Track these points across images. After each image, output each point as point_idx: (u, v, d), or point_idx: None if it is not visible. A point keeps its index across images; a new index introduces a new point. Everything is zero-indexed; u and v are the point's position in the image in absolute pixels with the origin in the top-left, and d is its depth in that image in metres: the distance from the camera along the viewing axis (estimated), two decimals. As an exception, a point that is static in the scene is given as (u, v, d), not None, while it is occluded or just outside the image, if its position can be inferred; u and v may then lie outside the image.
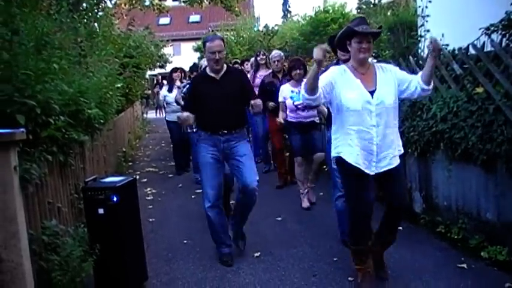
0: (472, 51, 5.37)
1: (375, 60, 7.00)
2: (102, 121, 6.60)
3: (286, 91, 7.20)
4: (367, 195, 4.21)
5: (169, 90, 10.03)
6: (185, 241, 5.83)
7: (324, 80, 4.09)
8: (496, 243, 4.77)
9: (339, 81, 4.16)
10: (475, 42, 6.14)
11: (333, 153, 4.28)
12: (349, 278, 4.53)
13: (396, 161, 4.18)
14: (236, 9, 15.57)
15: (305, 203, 7.10)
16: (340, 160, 4.20)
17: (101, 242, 4.22)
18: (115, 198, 4.22)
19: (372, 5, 26.84)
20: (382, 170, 4.13)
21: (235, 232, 5.46)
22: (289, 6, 54.01)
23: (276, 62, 8.40)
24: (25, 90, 3.97)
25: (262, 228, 6.20)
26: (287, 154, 8.52)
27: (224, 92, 5.04)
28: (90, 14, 9.62)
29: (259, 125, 9.47)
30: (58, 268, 4.00)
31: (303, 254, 5.23)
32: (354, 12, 24.04)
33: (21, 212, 3.50)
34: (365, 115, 4.07)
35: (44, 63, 4.45)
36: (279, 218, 6.54)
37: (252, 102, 5.04)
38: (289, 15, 46.10)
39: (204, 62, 6.75)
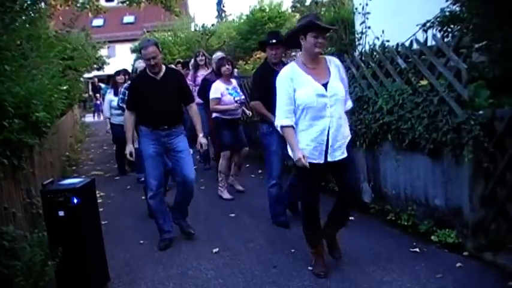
0: (415, 46, 5.60)
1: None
2: (48, 124, 6.50)
3: (222, 87, 7.53)
4: (315, 183, 4.57)
5: (115, 94, 9.89)
6: (141, 241, 5.84)
7: (287, 97, 4.30)
8: (444, 227, 5.02)
9: (294, 82, 4.31)
10: (413, 37, 6.42)
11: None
12: (309, 268, 4.66)
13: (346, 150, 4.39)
14: (176, 9, 15.47)
15: (226, 195, 7.59)
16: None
17: (62, 244, 4.18)
18: (75, 200, 4.19)
19: (305, 4, 27.31)
20: (337, 159, 4.33)
21: (181, 226, 5.89)
22: (223, 6, 54.05)
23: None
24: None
25: (217, 225, 6.28)
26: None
27: (164, 92, 5.53)
28: (27, 14, 9.38)
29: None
30: (20, 274, 3.95)
31: (261, 248, 5.35)
32: (290, 11, 24.38)
33: (-19, 218, 3.45)
34: (320, 108, 4.23)
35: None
36: (233, 215, 6.63)
37: (201, 142, 5.79)
38: (223, 15, 46.19)
39: (138, 64, 6.97)
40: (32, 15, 9.78)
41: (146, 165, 5.62)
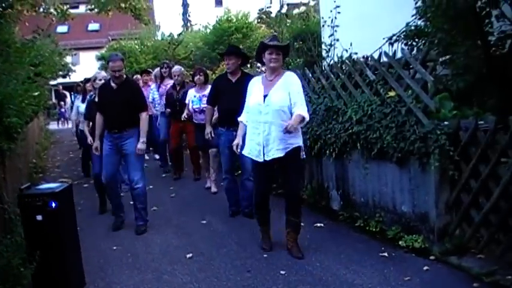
0: (384, 58, 5.81)
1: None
2: (19, 130, 6.50)
3: (190, 95, 8.28)
4: (261, 176, 5.41)
5: (83, 101, 9.92)
6: (114, 247, 5.87)
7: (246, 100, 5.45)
8: (411, 232, 5.22)
9: (250, 90, 5.41)
10: (380, 50, 6.64)
11: None
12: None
13: (283, 153, 5.08)
14: (145, 18, 15.48)
15: (215, 188, 8.27)
16: None
17: (39, 248, 4.22)
18: (53, 204, 4.25)
19: (271, 15, 27.58)
20: (270, 158, 5.11)
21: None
22: (189, 16, 53.95)
23: (177, 76, 9.28)
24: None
25: (189, 231, 6.37)
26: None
27: (117, 99, 6.36)
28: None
29: (161, 129, 10.16)
30: (-2, 277, 3.99)
31: (234, 253, 5.45)
32: (256, 22, 24.53)
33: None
34: (257, 114, 5.17)
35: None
36: (204, 221, 6.71)
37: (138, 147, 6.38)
38: (189, 24, 46.12)
39: (98, 74, 7.78)
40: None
41: (103, 160, 6.58)
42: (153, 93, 10.53)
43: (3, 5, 9.64)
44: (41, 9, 15.21)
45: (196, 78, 8.28)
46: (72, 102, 14.22)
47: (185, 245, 5.81)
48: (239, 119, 5.48)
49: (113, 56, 6.55)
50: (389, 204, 5.61)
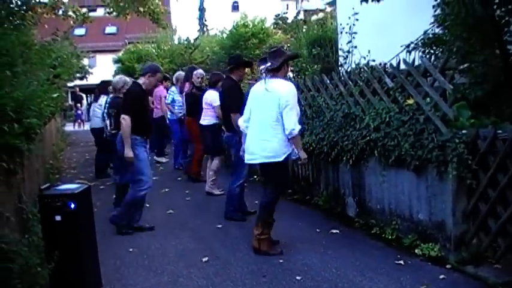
0: (402, 66, 5.81)
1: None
2: (38, 131, 6.57)
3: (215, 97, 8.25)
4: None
5: (96, 100, 10.21)
6: (131, 249, 5.90)
7: None
8: (428, 241, 5.21)
9: None
10: (397, 57, 6.64)
11: None
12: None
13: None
14: (163, 22, 15.56)
15: (217, 191, 8.55)
16: None
17: (58, 249, 4.26)
18: (72, 205, 4.29)
19: (287, 21, 27.64)
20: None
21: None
22: (205, 20, 54.25)
23: (200, 79, 9.65)
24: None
25: (205, 235, 6.39)
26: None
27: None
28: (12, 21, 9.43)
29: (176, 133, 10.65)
30: (16, 276, 4.01)
31: (249, 258, 5.45)
32: (272, 28, 24.55)
33: (-19, 220, 3.51)
34: None
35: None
36: (220, 225, 6.73)
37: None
38: (205, 29, 46.32)
39: (119, 79, 8.58)
40: (18, 22, 9.85)
41: (145, 165, 6.49)
42: (174, 95, 10.60)
43: (24, 7, 9.74)
44: (60, 12, 15.35)
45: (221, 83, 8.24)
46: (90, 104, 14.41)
47: (201, 248, 5.83)
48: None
49: (158, 68, 6.90)
50: (406, 212, 5.60)
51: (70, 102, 30.56)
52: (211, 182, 8.65)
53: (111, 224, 6.72)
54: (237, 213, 7.01)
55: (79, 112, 27.63)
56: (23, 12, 9.83)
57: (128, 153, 6.27)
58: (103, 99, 10.51)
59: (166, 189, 9.05)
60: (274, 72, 5.51)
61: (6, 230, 4.33)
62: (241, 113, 5.87)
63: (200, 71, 9.93)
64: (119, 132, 6.55)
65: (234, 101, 6.80)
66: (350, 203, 6.63)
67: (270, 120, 5.35)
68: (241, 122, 5.80)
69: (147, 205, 7.31)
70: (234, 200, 7.00)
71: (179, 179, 10.11)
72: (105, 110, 9.41)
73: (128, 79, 8.72)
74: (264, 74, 5.55)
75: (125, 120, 6.25)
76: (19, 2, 9.74)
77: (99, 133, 10.45)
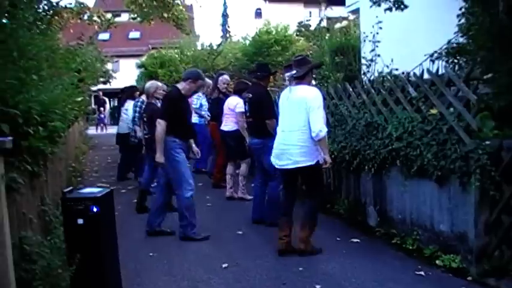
0: (426, 75, 5.78)
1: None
2: (61, 134, 6.64)
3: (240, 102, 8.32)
4: None
5: (122, 105, 10.41)
6: (151, 254, 5.93)
7: None
8: (449, 252, 5.16)
9: None
10: (420, 66, 6.61)
11: None
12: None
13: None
14: (186, 27, 15.72)
15: (248, 196, 8.49)
16: None
17: (79, 251, 4.30)
18: (95, 209, 4.32)
19: (309, 28, 27.59)
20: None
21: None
22: (228, 26, 54.45)
23: (226, 85, 9.76)
24: (7, 99, 4.05)
25: (225, 241, 6.41)
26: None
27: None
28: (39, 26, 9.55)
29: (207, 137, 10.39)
30: (38, 278, 4.06)
31: (269, 265, 5.46)
32: (295, 35, 24.58)
33: (7, 221, 3.55)
34: None
35: (23, 73, 4.53)
36: (240, 232, 6.75)
37: None
38: (228, 35, 46.47)
39: (151, 85, 8.67)
40: (45, 26, 9.97)
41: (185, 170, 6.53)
42: (201, 99, 10.63)
43: (51, 12, 9.87)
44: (85, 17, 15.56)
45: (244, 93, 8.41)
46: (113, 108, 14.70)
47: (221, 254, 5.85)
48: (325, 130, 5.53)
49: (202, 75, 7.05)
50: (427, 223, 5.56)
51: (93, 106, 30.88)
52: (242, 188, 8.74)
53: (131, 228, 6.77)
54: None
55: (102, 116, 27.90)
56: (49, 17, 9.97)
57: (160, 157, 6.32)
58: (129, 105, 10.67)
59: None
60: (299, 79, 5.69)
61: (29, 232, 4.38)
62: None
63: (226, 76, 10.00)
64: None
65: (269, 108, 6.96)
66: (371, 212, 6.59)
67: (299, 126, 5.52)
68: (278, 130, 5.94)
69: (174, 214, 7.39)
70: (277, 205, 6.80)
71: (200, 184, 10.11)
72: (136, 115, 9.59)
73: (160, 84, 8.88)
74: (289, 82, 5.78)
75: (160, 124, 6.29)
76: (46, 7, 9.87)
77: (125, 138, 10.69)
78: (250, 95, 7.26)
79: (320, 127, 5.39)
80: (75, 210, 4.35)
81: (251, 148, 7.57)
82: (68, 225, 4.44)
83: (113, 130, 25.52)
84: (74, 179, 10.52)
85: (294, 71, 5.73)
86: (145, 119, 8.61)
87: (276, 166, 5.91)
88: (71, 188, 4.87)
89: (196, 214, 6.52)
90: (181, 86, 6.66)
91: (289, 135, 5.64)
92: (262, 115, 6.88)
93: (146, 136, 8.48)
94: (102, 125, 28.04)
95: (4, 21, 4.68)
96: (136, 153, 10.03)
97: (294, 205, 5.91)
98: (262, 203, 7.12)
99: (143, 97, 9.81)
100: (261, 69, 7.43)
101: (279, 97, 6.79)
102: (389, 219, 6.23)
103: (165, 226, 6.75)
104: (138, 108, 9.66)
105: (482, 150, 4.72)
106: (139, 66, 25.49)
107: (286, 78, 5.83)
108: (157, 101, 8.28)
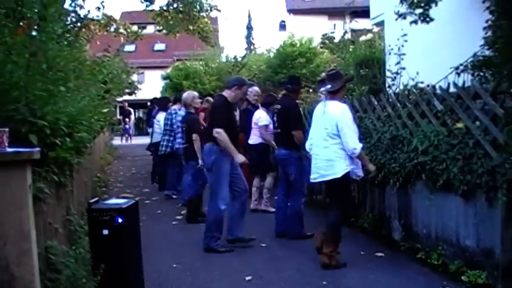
0: (452, 88, 5.73)
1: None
2: (87, 145, 6.73)
3: (268, 117, 8.43)
4: None
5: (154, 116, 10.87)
6: (174, 265, 5.95)
7: None
8: (475, 268, 5.08)
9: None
10: (445, 79, 6.55)
11: None
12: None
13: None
14: (211, 40, 15.86)
15: (271, 208, 8.44)
16: None
17: (104, 262, 4.33)
18: (120, 220, 4.36)
19: (333, 41, 27.57)
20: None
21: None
22: (252, 38, 54.70)
23: (257, 97, 9.49)
24: (36, 110, 4.12)
25: (249, 253, 6.40)
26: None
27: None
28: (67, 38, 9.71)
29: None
30: (63, 287, 4.10)
31: (293, 279, 5.43)
32: (319, 47, 24.54)
33: (33, 230, 3.59)
34: None
35: (52, 85, 4.60)
36: (264, 244, 6.74)
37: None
38: (252, 47, 46.65)
39: (188, 95, 8.84)
40: (72, 38, 10.13)
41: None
42: None
43: (78, 24, 10.04)
44: (112, 29, 15.79)
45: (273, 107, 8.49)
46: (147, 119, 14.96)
47: (244, 267, 5.84)
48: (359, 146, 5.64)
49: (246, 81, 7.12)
50: (453, 238, 5.49)
51: (118, 116, 31.20)
52: (266, 200, 8.77)
53: (155, 239, 6.81)
54: (303, 229, 7.01)
55: (127, 127, 28.14)
56: (77, 29, 10.15)
57: (240, 158, 6.46)
58: (161, 116, 10.83)
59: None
60: (333, 94, 5.80)
61: (55, 242, 4.43)
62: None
63: (256, 88, 9.86)
64: (206, 145, 6.58)
65: (297, 120, 7.04)
66: (396, 226, 6.54)
67: (327, 140, 5.64)
68: (307, 144, 6.10)
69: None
70: (301, 217, 7.02)
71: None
72: (168, 126, 9.79)
73: (196, 94, 8.96)
74: (324, 96, 5.90)
75: (219, 133, 6.29)
76: (74, 19, 10.04)
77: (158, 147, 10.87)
78: (279, 106, 7.30)
79: (354, 145, 5.52)
80: (101, 220, 4.39)
81: (277, 159, 7.56)
82: (93, 236, 4.48)
83: (137, 141, 25.79)
84: (98, 189, 10.63)
85: (328, 86, 5.81)
86: (183, 128, 8.72)
87: (311, 179, 6.04)
88: (96, 198, 4.92)
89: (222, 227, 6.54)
90: (226, 93, 6.67)
91: (317, 149, 5.79)
92: (289, 126, 6.90)
93: (185, 145, 8.57)
94: (127, 135, 28.29)
95: (34, 33, 4.76)
96: (166, 163, 10.35)
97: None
98: (286, 215, 7.10)
99: (175, 107, 9.95)
100: (293, 82, 7.46)
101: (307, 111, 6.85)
102: (414, 234, 6.17)
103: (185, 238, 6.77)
104: (170, 117, 9.83)
105: (509, 165, 4.64)
106: (164, 78, 25.71)
107: (321, 93, 5.93)
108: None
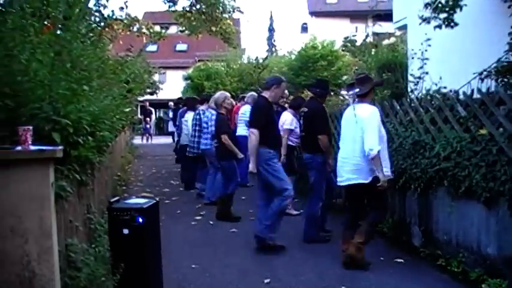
0: (476, 94, 5.68)
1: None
2: (109, 144, 6.77)
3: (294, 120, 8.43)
4: None
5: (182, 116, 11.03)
6: (193, 266, 5.95)
7: None
8: (496, 276, 5.01)
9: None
10: (468, 84, 6.49)
11: None
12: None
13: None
14: (234, 41, 15.89)
15: (294, 211, 8.55)
16: None
17: (123, 261, 4.35)
18: (140, 220, 4.38)
19: (355, 44, 27.47)
20: None
21: None
22: (274, 41, 54.74)
23: (285, 99, 9.51)
24: (59, 109, 4.15)
25: (268, 255, 6.36)
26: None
27: None
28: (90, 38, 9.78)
29: None
30: (82, 285, 4.12)
31: (311, 282, 5.41)
32: (340, 50, 24.49)
33: (55, 228, 3.62)
34: None
35: (75, 84, 4.64)
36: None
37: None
38: (274, 49, 46.67)
39: (220, 95, 8.82)
40: (95, 38, 10.20)
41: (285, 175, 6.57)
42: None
43: (102, 24, 10.11)
44: (135, 29, 15.88)
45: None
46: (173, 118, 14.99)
47: (263, 269, 5.82)
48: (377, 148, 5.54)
49: (283, 80, 6.86)
50: (474, 245, 5.43)
51: (139, 115, 31.37)
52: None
53: (174, 240, 6.81)
54: (319, 234, 7.04)
55: (147, 126, 28.26)
56: (100, 28, 10.22)
57: (253, 168, 6.40)
58: (189, 115, 10.87)
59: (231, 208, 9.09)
60: (361, 97, 5.82)
61: (75, 240, 4.46)
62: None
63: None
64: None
65: (323, 124, 6.98)
66: (416, 232, 6.48)
67: (356, 143, 5.64)
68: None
69: (211, 222, 7.42)
70: (317, 221, 7.00)
71: (243, 198, 10.08)
72: (197, 126, 9.81)
73: (228, 94, 8.95)
74: (352, 100, 5.96)
75: (254, 133, 6.33)
76: (97, 19, 10.11)
77: (185, 149, 10.91)
78: (306, 109, 7.28)
79: (371, 146, 5.46)
80: (121, 220, 4.41)
81: (302, 163, 7.56)
82: (113, 235, 4.50)
83: (158, 140, 25.91)
84: (119, 187, 10.70)
85: (357, 89, 5.82)
86: (213, 128, 8.85)
87: (338, 183, 6.06)
88: (117, 198, 4.94)
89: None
90: (267, 94, 6.67)
91: (345, 152, 5.82)
92: (315, 130, 6.88)
93: (216, 145, 8.61)
94: (147, 135, 28.42)
95: (58, 33, 4.79)
96: (195, 163, 10.52)
97: (358, 220, 5.92)
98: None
99: (203, 107, 9.99)
100: (321, 86, 7.37)
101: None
102: (435, 240, 6.11)
103: (204, 239, 6.77)
104: (199, 118, 9.85)
105: (533, 173, 4.60)
106: (186, 79, 25.78)
107: (349, 96, 5.93)
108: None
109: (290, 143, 8.47)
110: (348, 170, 5.75)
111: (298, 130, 8.19)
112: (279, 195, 6.41)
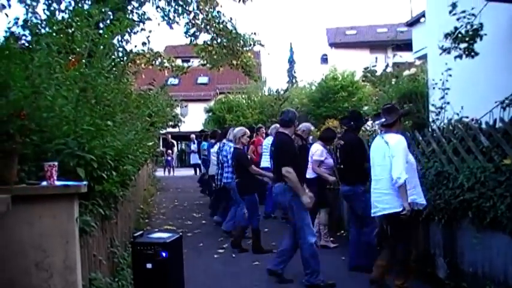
0: (499, 123, 5.65)
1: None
2: (132, 177, 6.82)
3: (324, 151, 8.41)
4: None
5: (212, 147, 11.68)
6: (216, 299, 5.93)
7: None
8: (523, 308, 4.92)
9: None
10: (490, 113, 6.45)
11: None
12: None
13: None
14: (255, 74, 16.03)
15: (331, 244, 8.48)
16: None
17: (147, 295, 4.37)
18: (164, 254, 4.40)
19: (375, 74, 27.47)
20: None
21: None
22: (294, 72, 55.04)
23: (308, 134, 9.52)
24: (84, 144, 4.22)
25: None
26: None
27: None
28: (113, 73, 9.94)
29: None
30: (107, 319, 4.14)
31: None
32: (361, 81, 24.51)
33: (79, 263, 3.65)
34: None
35: (99, 119, 4.72)
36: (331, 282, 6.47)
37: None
38: (294, 80, 46.89)
39: (239, 130, 8.83)
40: (118, 73, 10.36)
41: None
42: None
43: (125, 59, 10.29)
44: (157, 63, 16.12)
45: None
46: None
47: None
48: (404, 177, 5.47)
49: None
50: (501, 277, 5.33)
51: (161, 148, 31.54)
52: (324, 235, 8.57)
53: (197, 273, 6.79)
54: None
55: (169, 158, 28.38)
56: (124, 63, 10.40)
57: (306, 200, 6.29)
58: (216, 147, 10.99)
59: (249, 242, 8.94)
60: (388, 127, 5.83)
61: (98, 273, 4.49)
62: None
63: (308, 124, 9.83)
64: (278, 185, 6.52)
65: (362, 155, 6.99)
66: (441, 263, 6.39)
67: (385, 173, 5.62)
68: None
69: (233, 255, 7.38)
70: (374, 250, 6.72)
71: (266, 230, 9.99)
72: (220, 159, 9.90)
73: (248, 131, 9.00)
74: (379, 130, 6.01)
75: (290, 172, 6.24)
76: (121, 54, 10.31)
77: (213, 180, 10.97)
78: (342, 142, 7.35)
79: (398, 174, 5.42)
80: (145, 254, 4.45)
81: (342, 195, 7.59)
82: (136, 269, 4.53)
83: (180, 173, 25.98)
84: (141, 220, 10.74)
85: (383, 119, 5.85)
86: (233, 163, 8.88)
87: (371, 214, 5.99)
88: (141, 232, 4.97)
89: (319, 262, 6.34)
90: (287, 130, 6.66)
91: (376, 183, 5.80)
92: (354, 162, 6.96)
93: (237, 180, 8.65)
94: (169, 167, 28.53)
95: (83, 69, 4.89)
96: (222, 195, 10.48)
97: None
98: (359, 250, 7.02)
99: (224, 141, 10.04)
100: (356, 120, 7.38)
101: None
102: (460, 272, 6.01)
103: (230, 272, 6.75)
104: (220, 152, 9.92)
105: (559, 203, 4.53)
106: (207, 111, 25.99)
107: (376, 126, 5.97)
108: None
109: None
110: (381, 201, 5.70)
111: (328, 162, 8.24)
112: (302, 238, 6.32)
